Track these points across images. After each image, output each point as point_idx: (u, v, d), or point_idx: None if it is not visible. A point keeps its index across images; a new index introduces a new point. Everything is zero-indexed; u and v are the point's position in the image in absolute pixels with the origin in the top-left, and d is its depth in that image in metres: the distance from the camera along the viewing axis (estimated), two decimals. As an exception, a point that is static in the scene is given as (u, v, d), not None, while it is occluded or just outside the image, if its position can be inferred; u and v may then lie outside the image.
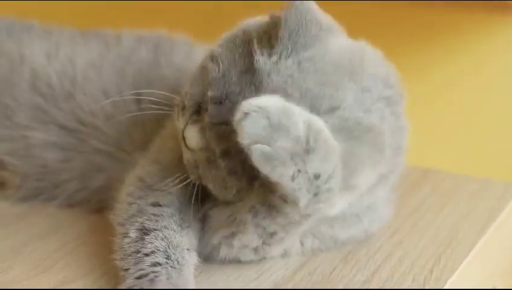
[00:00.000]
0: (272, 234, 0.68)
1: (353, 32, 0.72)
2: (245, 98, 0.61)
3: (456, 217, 0.83)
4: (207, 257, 0.71)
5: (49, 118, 0.82)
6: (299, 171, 0.59)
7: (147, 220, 0.68)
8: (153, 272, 0.63)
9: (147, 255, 0.65)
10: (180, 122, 0.69)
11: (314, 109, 0.63)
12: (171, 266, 0.64)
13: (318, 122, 0.60)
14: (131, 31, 0.91)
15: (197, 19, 1.32)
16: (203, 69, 0.68)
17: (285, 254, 0.73)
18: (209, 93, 0.66)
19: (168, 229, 0.67)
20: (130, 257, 0.65)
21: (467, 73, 1.10)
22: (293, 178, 0.59)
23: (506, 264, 0.92)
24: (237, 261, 0.72)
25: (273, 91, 0.63)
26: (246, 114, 0.57)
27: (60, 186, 0.82)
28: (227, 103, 0.65)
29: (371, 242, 0.76)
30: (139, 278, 0.63)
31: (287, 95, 0.63)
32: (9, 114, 0.84)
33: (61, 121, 0.82)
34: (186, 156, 0.69)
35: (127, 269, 0.65)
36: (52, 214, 0.81)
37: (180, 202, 0.70)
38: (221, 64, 0.67)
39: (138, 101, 0.81)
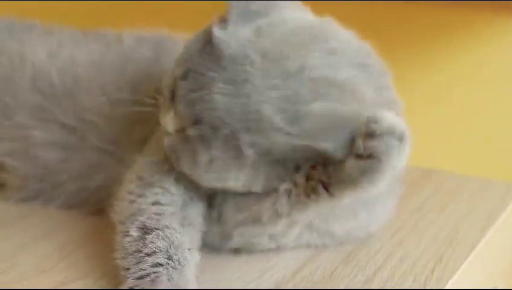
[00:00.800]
0: (289, 215, 0.68)
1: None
2: (207, 68, 0.64)
3: (457, 217, 0.83)
4: (219, 246, 0.72)
5: (50, 116, 0.82)
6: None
7: (148, 219, 0.68)
8: (154, 272, 0.63)
9: (148, 255, 0.64)
10: (161, 115, 0.70)
11: (278, 70, 0.64)
12: (172, 267, 0.64)
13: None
14: (132, 31, 0.91)
15: (197, 19, 1.32)
16: (177, 60, 0.70)
17: (296, 242, 0.74)
18: (175, 73, 0.68)
19: (169, 228, 0.67)
20: (131, 256, 0.65)
21: (468, 73, 1.10)
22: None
23: (507, 263, 0.92)
24: (249, 250, 0.72)
25: (232, 57, 0.64)
26: (401, 137, 0.60)
27: (59, 186, 0.82)
28: (191, 75, 0.66)
29: (371, 242, 0.76)
30: (140, 278, 0.63)
31: (246, 58, 0.64)
32: (10, 113, 0.83)
33: (61, 119, 0.82)
34: (166, 143, 0.69)
35: (127, 269, 0.64)
36: (52, 215, 0.81)
37: (183, 199, 0.70)
38: (185, 48, 0.69)
39: (138, 98, 0.81)
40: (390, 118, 0.60)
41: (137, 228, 0.67)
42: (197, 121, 0.65)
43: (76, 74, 0.84)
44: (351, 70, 0.66)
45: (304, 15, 0.71)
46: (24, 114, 0.83)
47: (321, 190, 0.65)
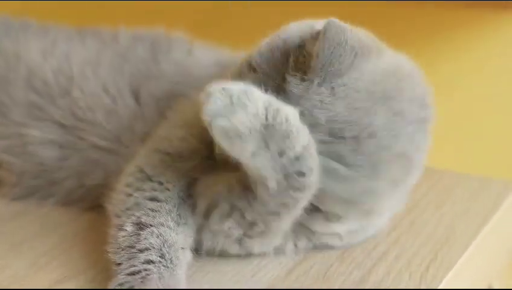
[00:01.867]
0: (252, 225, 0.67)
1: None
2: None
3: (453, 214, 0.83)
4: (198, 249, 0.71)
5: (45, 115, 0.82)
6: (259, 147, 0.61)
7: (144, 214, 0.68)
8: (145, 270, 0.63)
9: (140, 251, 0.64)
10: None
11: (340, 134, 0.65)
12: (164, 265, 0.64)
13: (280, 103, 0.62)
14: (128, 29, 0.91)
15: (195, 19, 1.32)
16: (241, 74, 0.69)
17: (278, 252, 0.73)
18: None
19: (164, 226, 0.67)
20: (123, 251, 0.65)
21: (466, 72, 1.10)
22: (254, 155, 0.61)
23: (503, 262, 0.92)
24: (225, 255, 0.71)
25: (300, 113, 0.63)
26: (210, 93, 0.60)
27: (56, 184, 0.82)
28: None
29: (367, 240, 0.76)
30: (130, 274, 0.63)
31: (312, 119, 0.64)
32: (5, 111, 0.84)
33: (57, 118, 0.82)
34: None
35: (119, 264, 0.64)
36: (49, 212, 0.81)
37: (179, 197, 0.70)
38: (257, 75, 0.68)
39: (137, 95, 0.82)
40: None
41: (132, 223, 0.67)
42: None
43: (71, 72, 0.84)
44: (409, 127, 0.68)
45: (378, 62, 0.69)
46: (19, 113, 0.83)
47: None
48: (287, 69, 0.67)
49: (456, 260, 0.72)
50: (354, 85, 0.66)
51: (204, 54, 0.88)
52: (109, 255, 0.66)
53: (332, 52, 0.65)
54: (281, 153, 0.61)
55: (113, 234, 0.68)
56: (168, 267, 0.64)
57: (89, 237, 0.76)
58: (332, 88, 0.65)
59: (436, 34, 1.11)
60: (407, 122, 0.68)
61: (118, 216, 0.69)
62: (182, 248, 0.67)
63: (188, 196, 0.71)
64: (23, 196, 0.83)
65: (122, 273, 0.63)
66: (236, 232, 0.69)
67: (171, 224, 0.68)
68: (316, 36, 0.67)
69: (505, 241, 0.91)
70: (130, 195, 0.70)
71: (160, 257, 0.64)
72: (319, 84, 0.65)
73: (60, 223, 0.79)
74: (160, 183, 0.71)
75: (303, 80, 0.66)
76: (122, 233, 0.67)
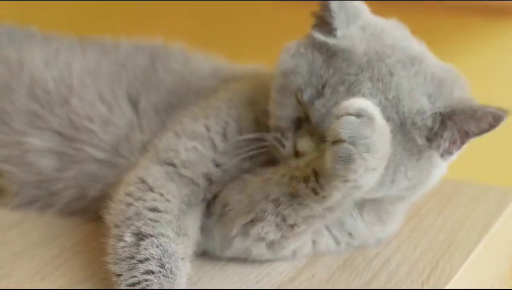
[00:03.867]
0: (293, 226, 0.68)
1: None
2: (344, 74, 0.67)
3: (454, 222, 0.84)
4: (218, 252, 0.72)
5: (45, 123, 0.82)
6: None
7: (144, 225, 0.68)
8: (146, 280, 0.63)
9: (140, 261, 0.65)
10: (286, 147, 0.70)
11: (410, 58, 0.69)
12: (163, 275, 0.64)
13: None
14: (128, 39, 0.92)
15: (193, 23, 1.33)
16: (282, 89, 0.71)
17: (294, 256, 0.74)
18: (306, 95, 0.68)
19: (164, 236, 0.67)
20: (123, 262, 0.65)
21: (467, 78, 1.10)
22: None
23: (504, 270, 0.92)
24: (246, 257, 0.72)
25: (367, 55, 0.68)
26: (358, 113, 0.60)
27: (56, 194, 0.82)
28: (327, 90, 0.68)
29: (368, 248, 0.77)
30: (131, 285, 0.63)
31: (379, 54, 0.68)
32: (7, 119, 0.84)
33: (56, 127, 0.82)
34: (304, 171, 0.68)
35: (119, 275, 0.65)
36: (50, 222, 0.82)
37: (180, 209, 0.71)
38: (300, 71, 0.70)
39: (134, 105, 0.82)
40: (350, 100, 0.61)
41: (131, 233, 0.67)
42: None
43: (71, 81, 0.84)
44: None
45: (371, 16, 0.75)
46: (20, 121, 0.83)
47: (312, 178, 0.65)
48: (318, 44, 0.70)
49: (457, 268, 0.73)
50: (374, 25, 0.72)
51: (202, 64, 0.88)
52: (109, 266, 0.66)
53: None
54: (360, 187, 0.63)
55: (112, 244, 0.68)
56: (168, 277, 0.64)
57: (90, 246, 0.75)
58: (363, 27, 0.71)
59: (435, 40, 1.11)
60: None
61: (118, 226, 0.69)
62: (182, 259, 0.67)
63: (190, 206, 0.71)
64: (24, 205, 0.83)
65: (123, 284, 0.64)
66: (274, 235, 0.70)
67: (171, 235, 0.68)
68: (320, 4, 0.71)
69: (506, 249, 0.91)
70: (131, 204, 0.70)
71: (160, 267, 0.64)
72: (347, 27, 0.70)
73: (62, 232, 0.79)
74: (161, 194, 0.71)
75: (335, 33, 0.70)
76: (122, 244, 0.67)
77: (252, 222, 0.69)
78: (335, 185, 0.62)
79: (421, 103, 0.67)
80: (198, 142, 0.74)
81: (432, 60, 0.71)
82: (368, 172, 0.61)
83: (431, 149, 0.68)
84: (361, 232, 0.75)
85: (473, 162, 1.08)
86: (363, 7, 0.74)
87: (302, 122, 0.70)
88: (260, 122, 0.74)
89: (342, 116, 0.60)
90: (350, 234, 0.75)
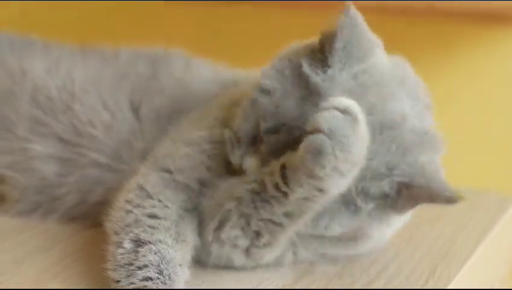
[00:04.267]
0: (258, 234, 0.69)
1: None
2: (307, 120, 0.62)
3: (451, 229, 0.84)
4: (204, 261, 0.72)
5: (48, 130, 0.83)
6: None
7: (143, 231, 0.68)
8: (144, 287, 0.64)
9: (139, 268, 0.65)
10: (235, 155, 0.71)
11: (383, 124, 0.66)
12: (162, 282, 0.64)
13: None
14: (128, 47, 0.92)
15: (193, 28, 1.33)
16: (254, 103, 0.70)
17: (278, 263, 0.74)
18: (264, 125, 0.68)
19: (162, 243, 0.68)
20: (122, 269, 0.66)
21: (464, 85, 1.10)
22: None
23: (502, 276, 0.92)
24: (231, 266, 0.72)
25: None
26: (344, 110, 0.60)
27: (58, 199, 0.83)
28: (285, 130, 0.67)
29: (366, 255, 0.77)
30: None
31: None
32: (10, 126, 0.85)
33: (59, 133, 0.83)
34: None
35: (118, 281, 0.65)
36: (51, 228, 0.82)
37: (178, 215, 0.71)
38: (273, 96, 0.68)
39: (136, 111, 0.83)
40: (340, 98, 0.61)
41: (130, 240, 0.68)
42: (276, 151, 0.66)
43: (74, 89, 0.85)
44: (426, 112, 0.71)
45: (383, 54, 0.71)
46: (23, 128, 0.84)
47: (277, 173, 0.64)
48: (303, 76, 0.67)
49: (454, 275, 0.73)
50: (375, 72, 0.68)
51: (203, 69, 0.89)
52: (108, 272, 0.67)
53: (352, 33, 0.67)
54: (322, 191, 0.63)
55: (112, 251, 0.68)
56: (166, 283, 0.64)
57: (91, 253, 0.76)
58: (356, 75, 0.67)
59: (433, 48, 1.12)
60: (423, 106, 0.71)
61: (117, 233, 0.70)
62: (180, 265, 0.67)
63: (188, 212, 0.72)
64: (26, 211, 0.84)
65: None
66: (244, 242, 0.70)
67: (170, 241, 0.68)
68: (327, 32, 0.68)
69: (504, 255, 0.91)
70: (130, 212, 0.71)
71: (158, 273, 0.65)
72: (341, 70, 0.66)
73: (62, 239, 0.80)
74: (160, 201, 0.72)
75: (325, 70, 0.66)
76: (121, 250, 0.67)
77: (220, 224, 0.70)
78: (298, 178, 0.62)
79: (380, 169, 0.65)
80: (191, 148, 0.74)
81: (410, 123, 0.68)
82: (335, 173, 0.60)
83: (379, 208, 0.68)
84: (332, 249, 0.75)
85: (471, 167, 1.09)
86: (378, 43, 0.71)
87: (257, 141, 0.69)
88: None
89: (327, 108, 0.60)
90: (323, 255, 0.75)
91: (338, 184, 0.62)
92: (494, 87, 1.08)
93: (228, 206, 0.69)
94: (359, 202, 0.66)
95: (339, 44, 0.66)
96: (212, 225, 0.70)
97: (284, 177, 0.64)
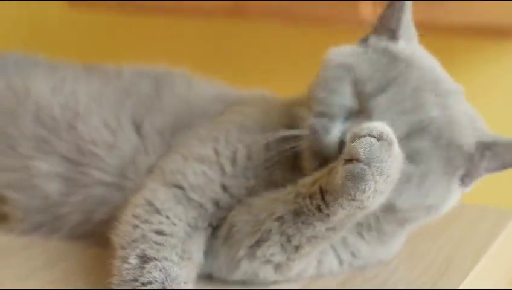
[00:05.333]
0: (297, 248, 0.69)
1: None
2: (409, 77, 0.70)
3: (451, 244, 0.84)
4: (224, 275, 0.73)
5: (52, 148, 0.84)
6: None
7: (149, 247, 0.69)
8: None
9: (143, 284, 0.66)
10: (333, 132, 0.70)
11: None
12: None
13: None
14: (131, 66, 0.93)
15: (195, 47, 1.35)
16: (339, 80, 0.72)
17: (300, 275, 0.75)
18: (370, 86, 0.70)
19: (168, 260, 0.68)
20: (126, 284, 0.66)
21: (467, 98, 1.11)
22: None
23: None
24: (253, 280, 0.73)
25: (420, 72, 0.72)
26: (379, 136, 0.62)
27: (61, 219, 0.83)
28: (388, 92, 0.70)
29: (367, 268, 0.77)
30: None
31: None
32: (13, 144, 0.85)
33: (63, 151, 0.84)
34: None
35: None
36: (55, 246, 0.82)
37: (185, 233, 0.72)
38: (364, 66, 0.72)
39: (138, 129, 0.84)
40: (372, 123, 0.63)
41: (136, 255, 0.68)
42: (410, 133, 0.69)
43: (77, 108, 0.86)
44: None
45: None
46: (26, 146, 0.85)
47: (318, 195, 0.66)
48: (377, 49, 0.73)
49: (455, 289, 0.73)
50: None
51: (205, 88, 0.90)
52: (112, 287, 0.67)
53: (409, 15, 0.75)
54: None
55: (117, 266, 0.69)
56: None
57: (95, 271, 0.76)
58: (414, 51, 0.74)
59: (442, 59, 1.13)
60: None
61: (123, 248, 0.70)
62: (185, 282, 0.68)
63: (195, 230, 0.73)
64: (30, 230, 0.84)
65: None
66: (280, 258, 0.71)
67: (175, 258, 0.69)
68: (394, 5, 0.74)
69: (504, 270, 0.91)
70: (137, 227, 0.72)
71: None
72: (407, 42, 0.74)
73: (66, 257, 0.80)
74: (168, 217, 0.72)
75: (396, 38, 0.74)
76: (127, 266, 0.68)
77: (258, 243, 0.71)
78: (341, 202, 0.63)
79: (467, 130, 0.70)
80: (206, 166, 0.75)
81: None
82: (376, 194, 0.63)
83: (459, 175, 0.71)
84: (363, 252, 0.77)
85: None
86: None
87: (351, 115, 0.70)
88: (270, 148, 0.75)
89: (363, 136, 0.62)
90: (353, 254, 0.76)
91: (378, 201, 0.64)
92: (494, 101, 1.09)
93: (269, 226, 0.70)
94: (457, 159, 0.70)
95: (405, 19, 0.74)
96: (247, 242, 0.71)
97: (324, 200, 0.65)
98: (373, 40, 0.75)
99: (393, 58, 0.72)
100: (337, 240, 0.73)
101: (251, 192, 0.74)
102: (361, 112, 0.70)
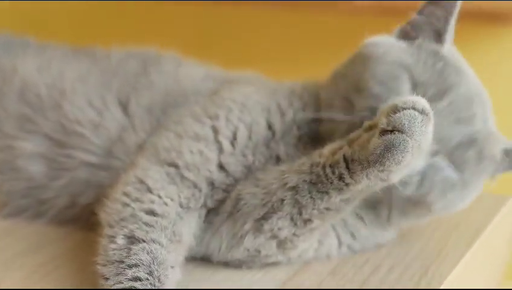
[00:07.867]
0: (306, 222, 0.69)
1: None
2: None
3: (444, 229, 0.84)
4: (222, 254, 0.73)
5: (36, 127, 0.82)
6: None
7: (138, 228, 0.67)
8: (132, 287, 0.62)
9: (129, 267, 0.64)
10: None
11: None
12: (150, 283, 0.63)
13: None
14: (120, 48, 0.92)
15: (189, 32, 1.33)
16: (393, 78, 0.72)
17: (300, 256, 0.74)
18: (429, 93, 0.71)
19: (156, 243, 0.66)
20: (112, 265, 0.65)
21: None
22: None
23: (495, 276, 0.92)
24: (252, 259, 0.73)
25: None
26: (422, 110, 0.62)
27: (46, 203, 0.81)
28: (450, 96, 0.72)
29: (358, 254, 0.76)
30: None
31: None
32: None
33: (47, 131, 0.82)
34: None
35: (106, 278, 0.64)
36: (40, 230, 0.81)
37: (177, 213, 0.70)
38: (419, 67, 0.73)
39: (124, 107, 0.82)
40: (413, 97, 0.63)
41: (124, 235, 0.67)
42: (460, 143, 0.71)
43: (64, 87, 0.84)
44: None
45: None
46: (10, 125, 0.83)
47: (342, 164, 0.65)
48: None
49: (447, 274, 0.73)
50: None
51: (195, 68, 0.89)
52: (98, 267, 0.65)
53: None
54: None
55: (104, 245, 0.67)
56: (154, 285, 0.63)
57: (81, 254, 0.75)
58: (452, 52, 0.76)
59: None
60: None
61: (111, 226, 0.68)
62: (172, 267, 0.66)
63: (187, 211, 0.71)
64: (13, 215, 0.83)
65: None
66: (287, 232, 0.70)
67: (164, 241, 0.67)
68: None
69: (497, 256, 0.91)
70: (127, 205, 0.70)
71: (148, 274, 0.64)
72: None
73: (52, 240, 0.79)
74: (160, 196, 0.70)
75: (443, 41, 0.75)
76: (113, 245, 0.66)
77: (266, 215, 0.69)
78: (369, 171, 0.63)
79: (499, 141, 0.74)
80: (203, 144, 0.73)
81: None
82: (406, 168, 0.63)
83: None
84: (362, 233, 0.76)
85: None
86: None
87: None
88: (272, 129, 0.75)
89: (407, 108, 0.61)
90: (352, 235, 0.76)
91: (400, 175, 0.64)
92: (494, 87, 1.08)
93: (281, 195, 0.68)
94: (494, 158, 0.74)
95: (453, 19, 0.75)
96: (255, 214, 0.70)
97: (349, 169, 0.64)
98: (420, 40, 0.75)
99: (446, 65, 0.73)
100: (341, 217, 0.73)
101: (249, 171, 0.73)
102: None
